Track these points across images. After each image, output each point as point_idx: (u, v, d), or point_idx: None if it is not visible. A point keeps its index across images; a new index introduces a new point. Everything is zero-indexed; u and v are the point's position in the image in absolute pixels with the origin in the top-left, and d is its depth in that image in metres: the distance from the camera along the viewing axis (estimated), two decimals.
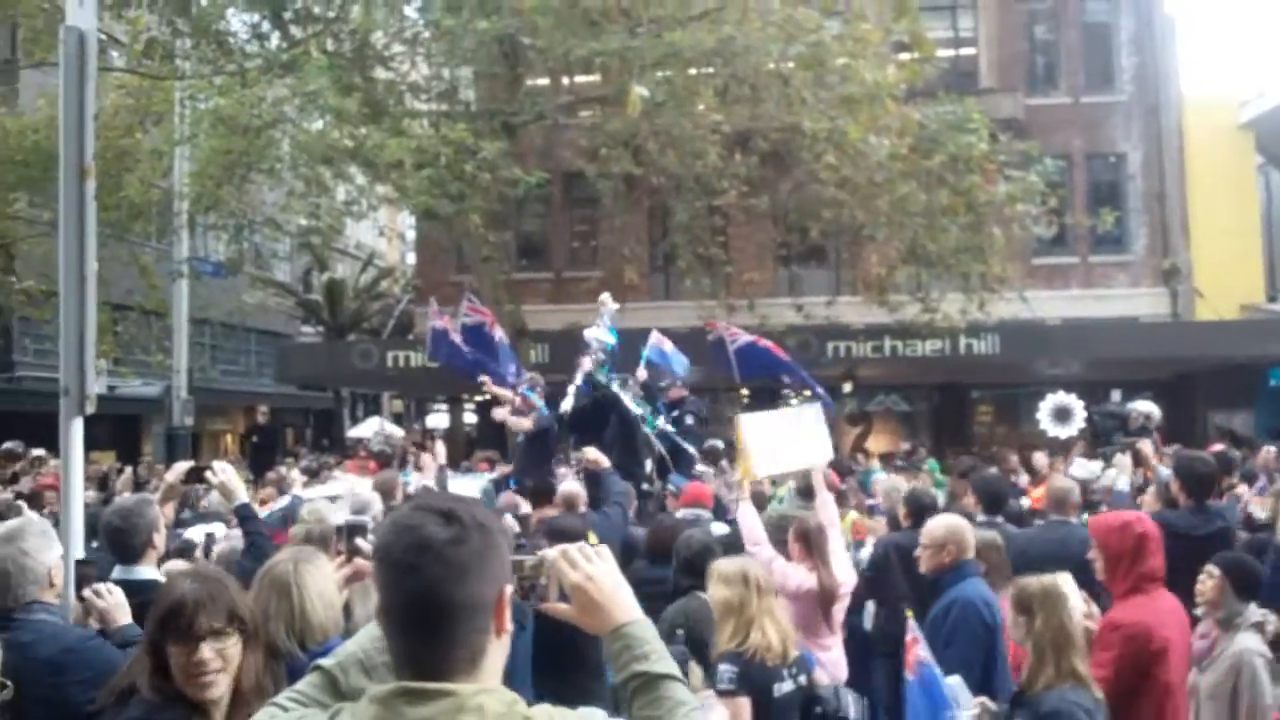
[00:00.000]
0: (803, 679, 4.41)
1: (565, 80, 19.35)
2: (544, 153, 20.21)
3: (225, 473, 4.90)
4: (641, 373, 10.88)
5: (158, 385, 20.89)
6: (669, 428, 10.28)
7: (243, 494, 4.91)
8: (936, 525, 5.38)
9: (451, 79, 17.89)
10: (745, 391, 17.15)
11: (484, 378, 10.86)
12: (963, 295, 17.46)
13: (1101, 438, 11.91)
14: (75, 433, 3.76)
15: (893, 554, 6.56)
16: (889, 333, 19.38)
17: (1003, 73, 23.16)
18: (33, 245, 19.90)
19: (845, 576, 5.94)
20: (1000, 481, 8.00)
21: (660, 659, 2.03)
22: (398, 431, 21.42)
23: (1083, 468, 10.48)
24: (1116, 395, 18.22)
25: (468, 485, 10.03)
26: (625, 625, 2.03)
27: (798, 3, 15.87)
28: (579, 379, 10.15)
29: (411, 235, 27.40)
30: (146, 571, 4.18)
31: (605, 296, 10.91)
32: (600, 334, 10.47)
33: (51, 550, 3.68)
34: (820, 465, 6.85)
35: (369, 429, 22.29)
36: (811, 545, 5.81)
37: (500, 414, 10.54)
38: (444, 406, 28.68)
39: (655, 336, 11.81)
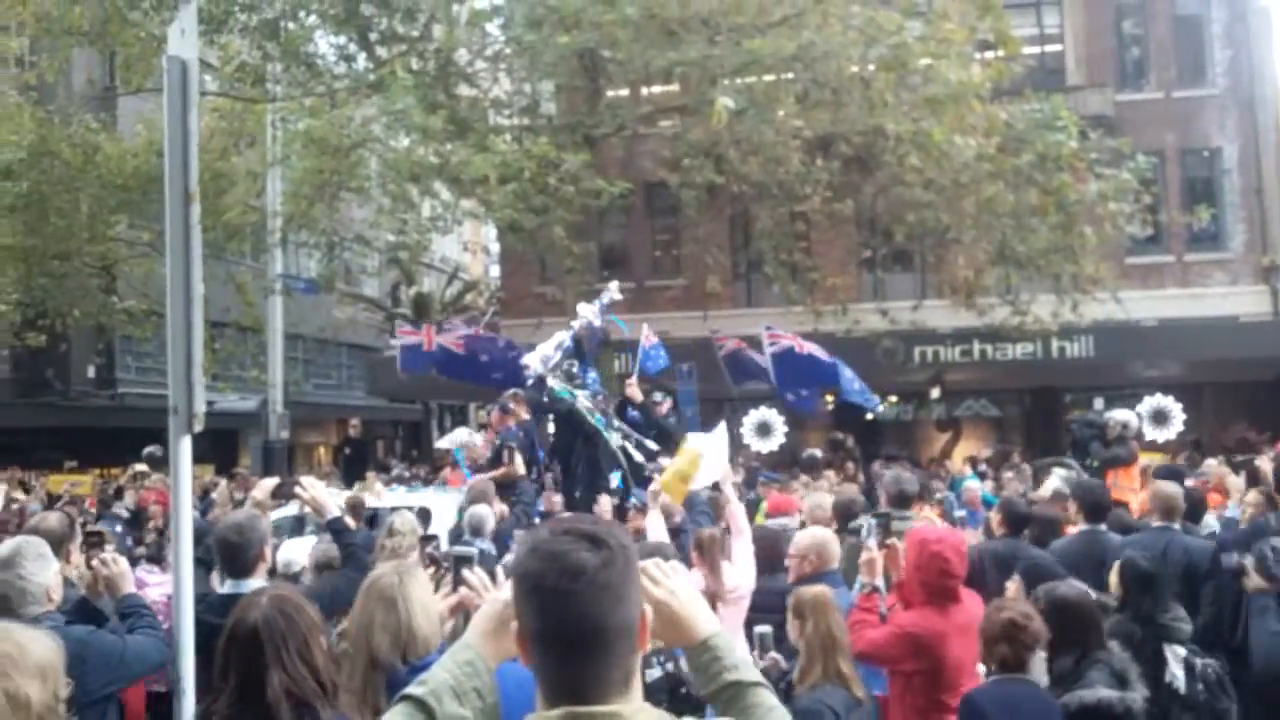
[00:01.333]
0: (670, 665, 4.65)
1: (644, 91, 19.42)
2: (624, 163, 20.28)
3: (314, 488, 4.96)
4: (632, 387, 11.02)
5: (254, 399, 21.41)
6: (626, 443, 10.20)
7: (333, 509, 4.95)
8: (802, 537, 5.89)
9: (533, 93, 18.06)
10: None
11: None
12: (1054, 297, 17.08)
13: (1080, 447, 11.59)
14: (184, 451, 3.85)
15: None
16: (978, 336, 19.04)
17: (1091, 69, 22.65)
18: (133, 266, 20.60)
19: (736, 581, 6.08)
20: (1100, 489, 7.76)
21: (748, 667, 2.09)
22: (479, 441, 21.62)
23: (1060, 479, 10.27)
24: (1099, 404, 17.77)
25: (444, 501, 9.60)
26: (710, 637, 2.08)
27: (879, 4, 15.70)
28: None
29: (495, 248, 27.69)
30: (256, 584, 4.28)
31: (614, 284, 11.11)
32: (590, 311, 10.55)
33: (48, 570, 3.90)
34: (724, 480, 7.03)
35: (455, 440, 22.52)
36: (704, 553, 6.05)
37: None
38: (526, 417, 28.86)
39: (644, 332, 11.87)
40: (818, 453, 18.52)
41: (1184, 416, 22.02)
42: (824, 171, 16.36)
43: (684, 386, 14.84)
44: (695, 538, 6.26)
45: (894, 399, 25.46)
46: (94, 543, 4.17)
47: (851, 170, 17.02)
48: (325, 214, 15.46)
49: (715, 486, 7.39)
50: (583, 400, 10.02)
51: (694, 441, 7.51)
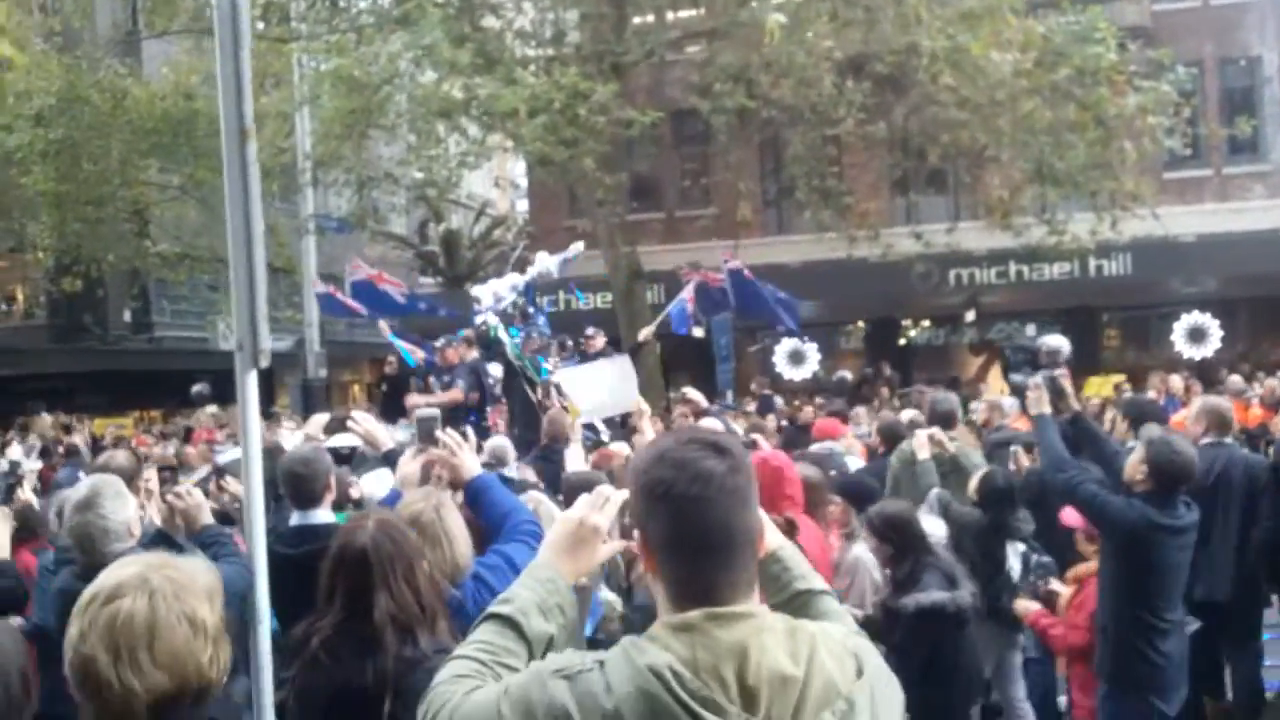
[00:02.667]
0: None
1: (671, 15, 19.08)
2: (651, 91, 20.00)
3: (367, 421, 4.99)
4: (594, 340, 11.41)
5: (289, 340, 21.53)
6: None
7: (389, 440, 4.99)
8: None
9: (558, 22, 17.80)
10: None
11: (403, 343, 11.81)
12: (1091, 215, 16.80)
13: (1012, 372, 11.56)
14: (251, 387, 3.88)
15: None
16: (1014, 257, 18.85)
17: None
18: (164, 210, 20.65)
19: None
20: (1148, 405, 7.77)
21: (814, 576, 2.21)
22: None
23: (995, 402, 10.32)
24: (1031, 330, 17.61)
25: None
26: (778, 549, 2.21)
27: None
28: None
29: (523, 183, 27.49)
30: (324, 515, 4.35)
31: (579, 244, 11.30)
32: (550, 261, 10.70)
33: (128, 507, 4.01)
34: (638, 415, 7.11)
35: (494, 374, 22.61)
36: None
37: (415, 400, 10.65)
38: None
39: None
40: (848, 374, 18.53)
41: (1221, 334, 21.87)
42: (856, 93, 16.06)
43: (717, 316, 14.85)
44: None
45: (927, 323, 25.36)
46: (167, 478, 4.24)
47: (884, 91, 16.70)
48: (354, 152, 15.39)
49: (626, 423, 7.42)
50: (526, 348, 10.19)
51: (563, 375, 7.75)
